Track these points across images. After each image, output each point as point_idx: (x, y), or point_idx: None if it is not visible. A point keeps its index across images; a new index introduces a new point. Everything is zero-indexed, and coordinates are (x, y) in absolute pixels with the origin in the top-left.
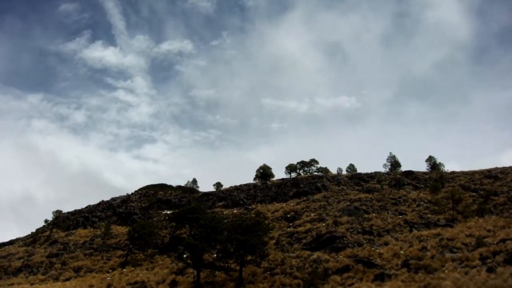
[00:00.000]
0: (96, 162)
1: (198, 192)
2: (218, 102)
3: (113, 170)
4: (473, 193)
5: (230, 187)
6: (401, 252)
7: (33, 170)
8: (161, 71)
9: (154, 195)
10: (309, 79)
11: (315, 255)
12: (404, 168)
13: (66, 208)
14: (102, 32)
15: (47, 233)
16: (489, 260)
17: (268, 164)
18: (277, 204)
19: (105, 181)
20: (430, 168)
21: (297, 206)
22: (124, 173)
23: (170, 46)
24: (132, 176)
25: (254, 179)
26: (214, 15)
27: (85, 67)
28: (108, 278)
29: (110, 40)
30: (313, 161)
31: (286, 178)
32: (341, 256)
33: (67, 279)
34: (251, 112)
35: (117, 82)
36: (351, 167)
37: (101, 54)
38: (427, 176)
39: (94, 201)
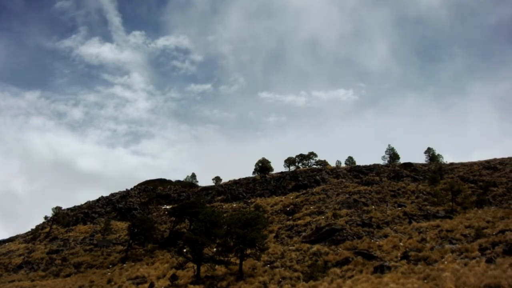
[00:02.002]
0: (95, 158)
1: (197, 186)
2: (215, 97)
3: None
4: (472, 184)
5: (229, 181)
6: (401, 244)
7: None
8: (158, 66)
9: (153, 190)
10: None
11: (315, 248)
12: (403, 160)
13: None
14: (98, 28)
15: (47, 229)
16: (488, 251)
17: (267, 158)
18: (276, 197)
19: (105, 177)
20: (429, 159)
21: (296, 199)
22: (123, 169)
23: (167, 41)
24: (131, 171)
25: (253, 172)
26: (210, 10)
27: (82, 63)
28: (109, 273)
29: (106, 36)
30: (312, 154)
31: (285, 172)
32: (340, 249)
33: (68, 275)
34: (248, 106)
35: (114, 78)
36: (350, 160)
37: (97, 50)
38: (426, 168)
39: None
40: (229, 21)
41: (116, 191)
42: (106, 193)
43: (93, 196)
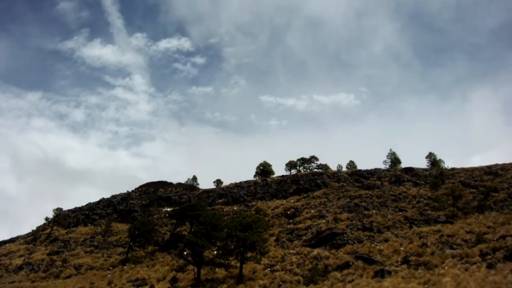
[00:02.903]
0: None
1: (198, 189)
2: (216, 99)
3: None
4: (473, 190)
5: (230, 184)
6: (401, 248)
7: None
8: (160, 68)
9: (154, 193)
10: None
11: (315, 251)
12: (404, 164)
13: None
14: (100, 30)
15: (48, 230)
16: (489, 257)
17: (268, 161)
18: (277, 201)
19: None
20: (430, 164)
21: (297, 203)
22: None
23: (168, 44)
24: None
25: (254, 176)
26: (212, 13)
27: (84, 65)
28: (109, 275)
29: (108, 38)
30: (313, 158)
31: (286, 175)
32: (341, 253)
33: (68, 277)
34: (249, 109)
35: (116, 80)
36: (351, 164)
37: (99, 52)
38: (427, 172)
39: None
40: (229, 15)
41: (117, 193)
42: (107, 195)
43: (93, 197)
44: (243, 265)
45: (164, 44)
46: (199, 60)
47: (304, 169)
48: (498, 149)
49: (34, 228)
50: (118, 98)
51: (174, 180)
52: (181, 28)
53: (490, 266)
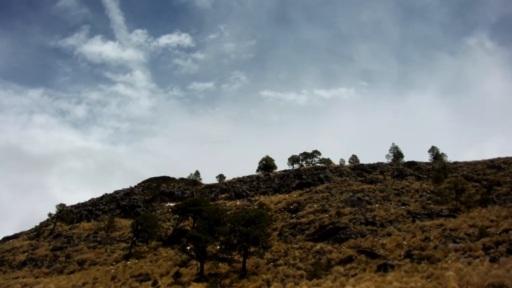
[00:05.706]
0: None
1: (201, 184)
2: (217, 95)
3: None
4: (476, 184)
5: (233, 179)
6: (404, 242)
7: None
8: (160, 64)
9: (157, 188)
10: None
11: (318, 246)
12: (406, 158)
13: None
14: (101, 27)
15: (51, 226)
16: (492, 250)
17: (270, 156)
18: (280, 195)
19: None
20: (433, 158)
21: (300, 197)
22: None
23: (169, 40)
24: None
25: (257, 170)
26: (212, 8)
27: (85, 62)
28: (112, 270)
29: (109, 34)
30: (316, 152)
31: (288, 170)
32: (344, 247)
33: (72, 272)
34: (250, 104)
35: (117, 76)
36: (354, 158)
37: (100, 48)
38: (430, 166)
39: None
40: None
41: (120, 188)
42: (109, 191)
43: (98, 194)
44: (246, 260)
45: (165, 40)
46: (200, 56)
47: (307, 164)
48: (501, 143)
49: (38, 224)
50: (119, 94)
51: (176, 175)
52: (181, 24)
53: (493, 260)
